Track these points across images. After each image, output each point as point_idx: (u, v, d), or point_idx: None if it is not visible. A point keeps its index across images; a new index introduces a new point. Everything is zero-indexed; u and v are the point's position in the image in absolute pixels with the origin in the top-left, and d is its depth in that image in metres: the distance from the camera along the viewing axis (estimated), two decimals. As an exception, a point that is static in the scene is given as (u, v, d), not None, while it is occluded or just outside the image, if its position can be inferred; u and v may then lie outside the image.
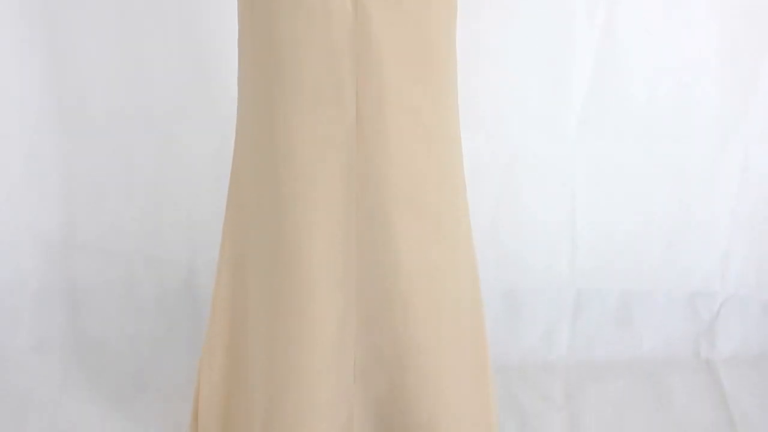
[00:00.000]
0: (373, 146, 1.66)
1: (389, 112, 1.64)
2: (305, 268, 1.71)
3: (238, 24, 1.70)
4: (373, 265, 1.73)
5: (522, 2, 2.26)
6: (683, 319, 2.46)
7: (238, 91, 1.76)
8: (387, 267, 1.73)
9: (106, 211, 2.42)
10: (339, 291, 1.73)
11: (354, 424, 1.84)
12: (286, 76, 1.63)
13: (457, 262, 1.83)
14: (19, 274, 2.43)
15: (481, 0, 2.24)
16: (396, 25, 1.60)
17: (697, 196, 2.42)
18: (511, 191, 2.41)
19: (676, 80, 2.33)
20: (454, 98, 1.76)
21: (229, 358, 1.91)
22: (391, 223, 1.71)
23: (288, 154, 1.67)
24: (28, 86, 2.32)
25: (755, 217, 2.44)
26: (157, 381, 2.30)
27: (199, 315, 2.38)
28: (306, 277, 1.71)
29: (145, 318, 2.43)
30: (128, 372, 2.33)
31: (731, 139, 2.37)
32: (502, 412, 2.14)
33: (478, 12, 2.25)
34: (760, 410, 2.23)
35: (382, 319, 1.77)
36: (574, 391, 2.29)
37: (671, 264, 2.46)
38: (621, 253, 2.45)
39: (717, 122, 2.36)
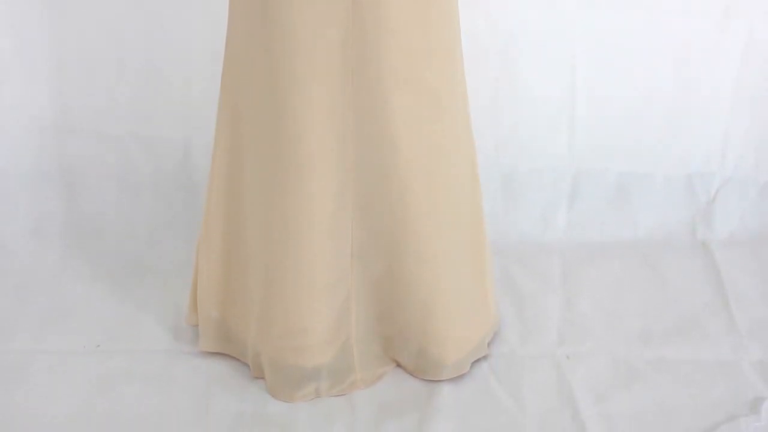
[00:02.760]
0: (371, 22, 1.63)
1: (386, -12, 1.61)
2: (301, 147, 1.70)
3: None
4: (371, 144, 1.72)
5: None
6: (681, 201, 2.46)
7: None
8: (384, 146, 1.72)
9: (99, 93, 2.39)
10: (335, 169, 1.73)
11: (352, 304, 1.85)
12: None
13: (455, 141, 1.82)
14: (13, 158, 2.41)
15: None
16: None
17: (698, 76, 2.40)
18: (509, 70, 2.38)
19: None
20: (452, -26, 1.73)
21: (227, 238, 1.91)
22: (388, 101, 1.69)
23: (283, 30, 1.64)
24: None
25: (756, 98, 2.42)
26: (156, 263, 2.30)
27: (196, 196, 2.38)
28: (302, 156, 1.70)
29: (141, 200, 2.42)
30: (126, 254, 2.33)
31: (734, 17, 2.33)
32: (499, 293, 2.16)
33: None
34: (754, 291, 2.24)
35: (379, 199, 1.77)
36: (571, 272, 2.30)
37: (670, 145, 2.45)
38: (620, 134, 2.43)
39: (720, -1, 2.33)
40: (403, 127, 1.71)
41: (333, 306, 1.83)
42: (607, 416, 1.86)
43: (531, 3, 2.32)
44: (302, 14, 1.62)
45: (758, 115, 2.44)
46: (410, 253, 1.81)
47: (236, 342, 1.94)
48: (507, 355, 2.01)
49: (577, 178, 2.45)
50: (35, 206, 2.41)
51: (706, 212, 2.46)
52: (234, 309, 1.93)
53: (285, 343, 1.82)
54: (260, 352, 1.87)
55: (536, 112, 2.41)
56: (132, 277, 2.25)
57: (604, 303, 2.19)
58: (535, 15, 2.33)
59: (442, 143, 1.78)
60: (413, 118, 1.72)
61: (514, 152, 2.43)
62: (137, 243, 2.37)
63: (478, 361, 1.96)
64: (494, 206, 2.40)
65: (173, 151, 2.42)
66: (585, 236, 2.42)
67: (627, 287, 2.25)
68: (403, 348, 1.90)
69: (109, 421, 1.84)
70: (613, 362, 2.00)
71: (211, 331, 1.95)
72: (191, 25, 2.32)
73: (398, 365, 1.95)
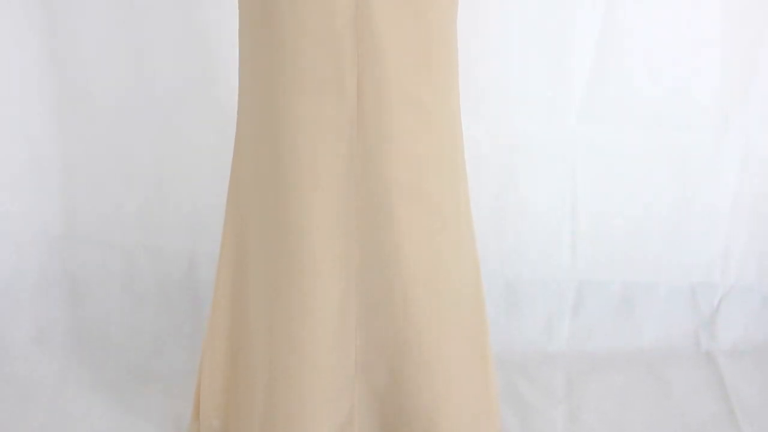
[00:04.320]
0: (374, 135, 1.66)
1: (390, 101, 1.64)
2: (306, 258, 1.71)
3: (239, 14, 1.70)
4: (375, 255, 1.73)
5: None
6: (684, 311, 2.46)
7: (239, 81, 1.76)
8: (388, 256, 1.73)
9: (107, 202, 2.42)
10: (339, 281, 1.73)
11: (355, 416, 1.83)
12: (287, 65, 1.63)
13: (458, 252, 1.83)
14: (19, 265, 2.42)
15: (482, -11, 2.25)
16: (397, 13, 1.60)
17: (697, 187, 2.42)
18: (511, 181, 2.41)
19: (677, 69, 2.33)
20: (455, 87, 1.76)
21: (231, 349, 1.90)
22: (392, 212, 1.70)
23: (289, 143, 1.67)
24: (28, 77, 2.32)
25: (756, 208, 2.44)
26: (159, 373, 2.29)
27: (200, 307, 2.38)
28: (306, 267, 1.71)
29: (145, 310, 2.42)
30: (129, 364, 2.33)
31: (732, 129, 2.37)
32: (503, 404, 2.14)
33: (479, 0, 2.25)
34: (760, 402, 2.22)
35: (383, 310, 1.77)
36: (575, 383, 2.28)
37: (672, 255, 2.46)
38: (622, 245, 2.45)
39: (717, 112, 2.36)
40: (406, 238, 1.72)
41: (336, 417, 1.81)
42: None
43: (532, 116, 2.37)
44: (307, 129, 1.65)
45: (759, 225, 2.45)
46: (414, 364, 1.80)
47: (238, 453, 1.93)
48: (511, 467, 1.99)
49: (580, 288, 2.45)
50: (39, 314, 2.41)
51: (710, 322, 2.46)
52: (236, 419, 1.91)
53: (288, 454, 1.81)
54: (262, 464, 1.85)
55: (538, 223, 2.43)
56: (134, 387, 2.24)
57: (609, 414, 2.17)
58: (536, 128, 2.37)
59: (446, 254, 1.79)
60: (416, 228, 1.73)
61: (517, 263, 2.44)
62: (140, 352, 2.36)
63: (482, 473, 1.94)
64: (498, 317, 2.40)
65: (179, 261, 2.44)
66: (589, 347, 2.41)
67: (632, 398, 2.24)
68: (407, 460, 1.88)
69: None
70: (619, 475, 1.98)
71: (212, 442, 1.94)
72: (199, 137, 2.36)
73: (402, 477, 1.93)
